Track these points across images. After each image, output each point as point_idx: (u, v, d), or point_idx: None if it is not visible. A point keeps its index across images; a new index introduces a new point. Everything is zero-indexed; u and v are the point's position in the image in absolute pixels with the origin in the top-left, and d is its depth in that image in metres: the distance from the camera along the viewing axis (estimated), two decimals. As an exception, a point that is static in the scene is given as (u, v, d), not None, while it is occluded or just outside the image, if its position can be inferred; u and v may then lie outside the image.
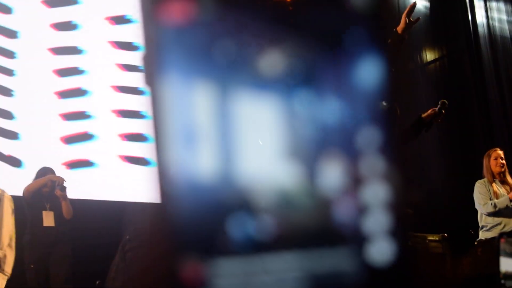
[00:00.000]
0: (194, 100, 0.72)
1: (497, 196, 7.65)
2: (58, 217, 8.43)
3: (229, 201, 0.70)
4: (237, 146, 0.71)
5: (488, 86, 12.99)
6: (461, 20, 13.44)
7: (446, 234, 5.47)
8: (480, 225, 7.74)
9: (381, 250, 0.71)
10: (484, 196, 7.68)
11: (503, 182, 7.81)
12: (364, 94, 0.73)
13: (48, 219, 8.44)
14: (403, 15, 5.33)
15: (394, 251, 0.70)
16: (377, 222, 0.71)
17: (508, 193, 7.77)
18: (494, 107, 12.76)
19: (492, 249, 5.60)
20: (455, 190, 7.99)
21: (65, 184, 8.33)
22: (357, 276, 0.71)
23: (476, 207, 7.73)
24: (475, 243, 7.76)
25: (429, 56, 14.03)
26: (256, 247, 0.70)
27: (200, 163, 0.71)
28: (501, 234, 1.73)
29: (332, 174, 0.71)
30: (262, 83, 0.73)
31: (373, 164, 0.71)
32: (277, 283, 0.69)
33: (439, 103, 5.92)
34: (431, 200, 10.88)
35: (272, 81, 0.73)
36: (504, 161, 7.81)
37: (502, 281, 1.72)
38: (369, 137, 0.72)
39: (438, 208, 8.32)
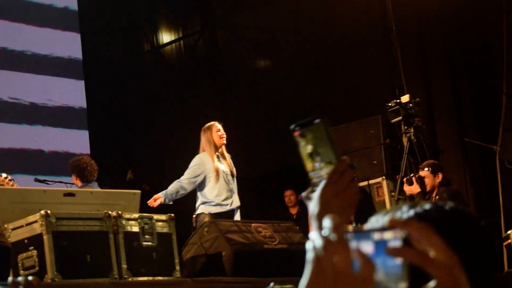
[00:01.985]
0: None
1: (217, 171, 7.78)
2: None
3: None
4: None
5: (222, 69, 13.24)
6: (196, 1, 13.58)
7: (172, 214, 5.45)
8: (201, 200, 7.81)
9: None
10: (193, 171, 7.81)
11: (222, 156, 7.97)
12: None
13: None
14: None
15: None
16: None
17: (228, 167, 7.94)
18: (228, 89, 13.04)
19: (218, 228, 5.65)
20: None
21: None
22: None
23: (183, 180, 7.81)
24: (194, 216, 7.83)
25: (165, 37, 14.06)
26: None
27: None
28: (296, 125, 1.66)
29: None
30: None
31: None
32: None
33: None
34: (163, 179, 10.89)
35: None
36: (224, 134, 7.97)
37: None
38: None
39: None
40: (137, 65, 13.62)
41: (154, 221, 5.30)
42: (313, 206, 1.56)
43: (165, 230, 5.35)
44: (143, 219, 5.26)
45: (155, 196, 7.64)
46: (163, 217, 5.39)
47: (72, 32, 12.95)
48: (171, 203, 7.69)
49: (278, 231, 5.96)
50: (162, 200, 7.55)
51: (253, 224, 5.90)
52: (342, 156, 1.61)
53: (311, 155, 1.61)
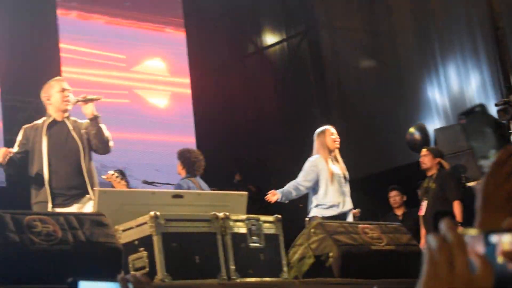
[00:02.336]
0: None
1: (332, 175, 7.82)
2: None
3: None
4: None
5: (326, 71, 13.21)
6: (299, 4, 13.59)
7: (279, 215, 5.46)
8: (315, 203, 7.86)
9: None
10: (308, 172, 7.86)
11: (335, 159, 8.02)
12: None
13: None
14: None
15: None
16: None
17: (341, 170, 7.97)
18: (332, 91, 13.00)
19: (326, 229, 5.64)
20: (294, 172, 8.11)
21: None
22: None
23: (299, 181, 7.87)
24: (307, 219, 7.86)
25: (269, 39, 14.12)
26: None
27: None
28: (461, 114, 1.64)
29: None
30: None
31: None
32: None
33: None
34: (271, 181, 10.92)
35: None
36: (338, 138, 8.03)
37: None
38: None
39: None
40: (242, 67, 13.73)
41: (261, 222, 5.32)
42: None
43: (272, 231, 5.36)
44: (250, 220, 5.28)
45: (273, 191, 7.75)
46: (270, 218, 5.40)
47: (178, 31, 13.16)
48: (286, 201, 7.81)
49: (386, 232, 5.90)
50: (279, 196, 7.68)
51: (360, 225, 5.86)
52: (506, 145, 1.55)
53: (475, 145, 1.58)
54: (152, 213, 4.83)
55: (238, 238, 5.16)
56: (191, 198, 5.60)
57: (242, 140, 13.17)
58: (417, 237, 8.70)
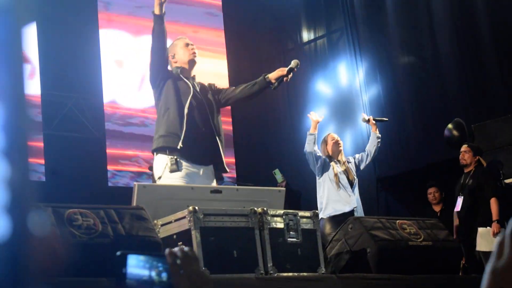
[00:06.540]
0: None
1: (337, 177, 7.97)
2: None
3: None
4: None
5: (365, 66, 13.17)
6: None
7: (317, 211, 5.48)
8: (320, 206, 8.11)
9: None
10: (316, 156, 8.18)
11: (339, 162, 8.21)
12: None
13: None
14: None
15: (10, 228, 0.64)
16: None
17: (346, 170, 8.14)
18: (373, 84, 12.96)
19: (363, 225, 5.65)
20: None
21: None
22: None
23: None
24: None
25: (307, 35, 14.12)
26: None
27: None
28: None
29: None
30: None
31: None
32: None
33: (292, 62, 6.18)
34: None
35: None
36: (341, 141, 8.26)
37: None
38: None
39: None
40: (281, 63, 13.75)
41: (299, 217, 5.34)
42: None
43: (309, 226, 5.38)
44: (288, 215, 5.31)
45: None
46: (308, 213, 5.42)
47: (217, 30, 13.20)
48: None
49: (423, 228, 5.91)
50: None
51: (398, 221, 5.87)
52: None
53: None
54: (190, 207, 4.87)
55: (276, 233, 5.19)
56: (229, 193, 5.63)
57: (281, 139, 13.27)
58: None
